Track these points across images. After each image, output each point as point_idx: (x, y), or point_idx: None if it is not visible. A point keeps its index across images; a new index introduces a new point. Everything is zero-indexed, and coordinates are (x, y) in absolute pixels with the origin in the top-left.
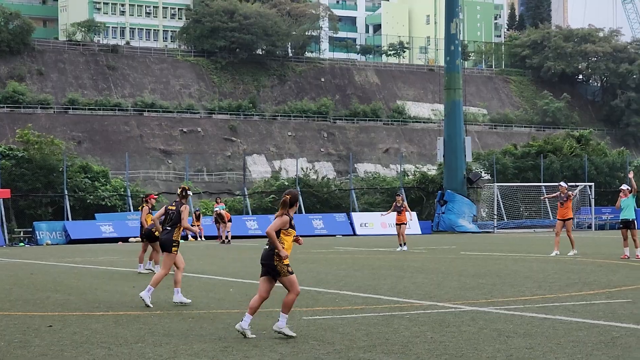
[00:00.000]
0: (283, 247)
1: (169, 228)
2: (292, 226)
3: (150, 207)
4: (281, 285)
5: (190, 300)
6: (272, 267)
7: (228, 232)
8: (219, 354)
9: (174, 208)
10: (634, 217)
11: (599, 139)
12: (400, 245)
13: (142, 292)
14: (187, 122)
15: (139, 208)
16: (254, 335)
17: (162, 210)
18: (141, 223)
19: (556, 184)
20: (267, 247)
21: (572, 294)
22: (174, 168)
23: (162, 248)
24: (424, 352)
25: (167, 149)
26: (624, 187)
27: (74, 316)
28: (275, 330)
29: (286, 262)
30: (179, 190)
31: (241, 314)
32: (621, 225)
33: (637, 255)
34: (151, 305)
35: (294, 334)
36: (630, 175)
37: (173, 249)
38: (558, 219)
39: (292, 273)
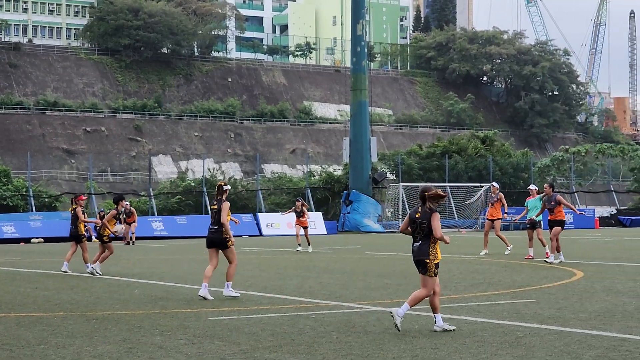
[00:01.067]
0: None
1: (216, 227)
2: None
3: (82, 207)
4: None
5: (239, 294)
6: (423, 264)
7: (132, 233)
8: (123, 356)
9: (216, 207)
10: (540, 218)
11: (503, 140)
12: (299, 245)
13: (224, 291)
14: (90, 122)
15: (70, 210)
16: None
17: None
18: (77, 225)
19: (461, 184)
20: (419, 242)
21: (477, 294)
22: (77, 168)
23: (218, 246)
24: (329, 353)
25: (70, 149)
26: (532, 187)
27: None
28: (437, 330)
29: (437, 261)
30: (217, 188)
31: (146, 315)
32: (528, 226)
33: (547, 254)
34: (239, 295)
35: (453, 327)
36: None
37: (229, 243)
38: (487, 219)
39: (436, 275)
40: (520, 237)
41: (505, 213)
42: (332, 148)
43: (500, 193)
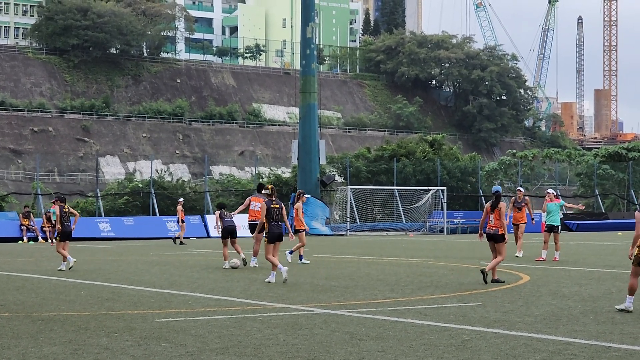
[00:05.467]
0: None
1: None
2: None
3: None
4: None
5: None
6: None
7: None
8: (69, 357)
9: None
10: (559, 224)
11: (451, 143)
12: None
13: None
14: (38, 121)
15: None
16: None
17: None
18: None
19: (409, 188)
20: None
21: (424, 297)
22: (24, 168)
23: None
24: (276, 355)
25: (17, 149)
26: (550, 191)
27: None
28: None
29: None
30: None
31: (92, 316)
32: (546, 229)
33: (555, 258)
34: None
35: None
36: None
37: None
38: (513, 224)
39: None
40: (467, 241)
41: (532, 218)
42: (280, 150)
43: (527, 198)
